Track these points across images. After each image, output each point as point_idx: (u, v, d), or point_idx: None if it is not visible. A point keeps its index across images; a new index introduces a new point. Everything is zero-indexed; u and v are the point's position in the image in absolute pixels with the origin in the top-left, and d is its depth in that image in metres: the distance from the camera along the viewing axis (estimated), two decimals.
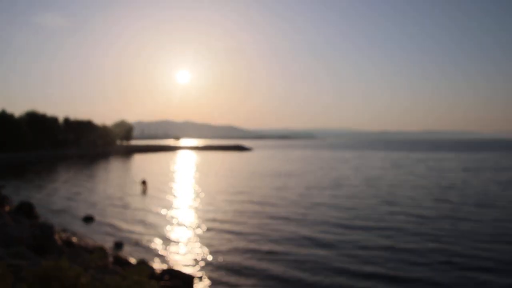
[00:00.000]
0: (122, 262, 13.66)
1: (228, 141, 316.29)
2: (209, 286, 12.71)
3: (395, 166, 64.33)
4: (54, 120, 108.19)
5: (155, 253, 16.23)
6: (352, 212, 24.04)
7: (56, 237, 15.45)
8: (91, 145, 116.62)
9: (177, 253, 16.27)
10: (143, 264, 13.30)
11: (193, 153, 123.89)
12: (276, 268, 14.06)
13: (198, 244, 17.46)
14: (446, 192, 32.08)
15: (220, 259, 15.32)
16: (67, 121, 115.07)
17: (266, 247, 16.76)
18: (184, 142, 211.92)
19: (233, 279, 13.19)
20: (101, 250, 14.47)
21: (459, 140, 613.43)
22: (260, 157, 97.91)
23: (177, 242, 17.92)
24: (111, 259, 14.56)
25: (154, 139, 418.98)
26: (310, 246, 16.79)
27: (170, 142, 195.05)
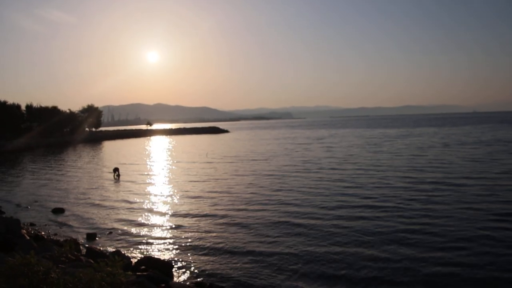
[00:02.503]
0: (96, 254, 13.20)
1: (203, 123, 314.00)
2: (188, 274, 12.45)
3: (369, 144, 65.24)
4: (15, 107, 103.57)
5: (130, 243, 15.73)
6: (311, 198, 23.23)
7: (23, 232, 14.81)
8: (58, 132, 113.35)
9: (154, 242, 15.81)
10: (118, 255, 12.89)
11: (166, 138, 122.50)
12: (253, 254, 13.83)
13: (175, 232, 17.07)
14: (416, 171, 32.36)
15: (198, 246, 14.99)
16: (29, 108, 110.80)
17: (243, 232, 16.53)
18: (157, 126, 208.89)
19: (212, 266, 12.91)
20: (72, 242, 13.95)
21: (439, 114, 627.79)
22: (236, 139, 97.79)
23: (152, 231, 17.45)
24: (83, 251, 14.11)
25: (125, 125, 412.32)
26: (287, 231, 16.46)
27: (142, 127, 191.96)
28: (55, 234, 17.21)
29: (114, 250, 14.35)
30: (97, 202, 24.29)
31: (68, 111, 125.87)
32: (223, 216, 19.10)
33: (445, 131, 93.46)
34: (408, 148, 51.12)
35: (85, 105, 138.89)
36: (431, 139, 65.95)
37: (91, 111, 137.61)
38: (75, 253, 12.83)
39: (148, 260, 12.79)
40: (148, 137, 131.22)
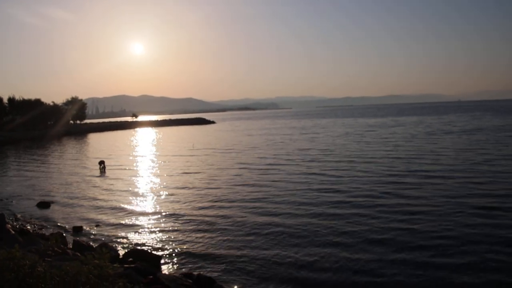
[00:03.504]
0: (82, 247, 13.15)
1: (189, 114, 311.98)
2: (177, 265, 12.49)
3: (352, 134, 65.65)
4: None
5: (117, 236, 15.67)
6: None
7: (8, 226, 14.65)
8: (41, 125, 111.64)
9: (141, 234, 15.78)
10: (105, 247, 12.86)
11: (152, 130, 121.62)
12: (241, 245, 13.92)
13: (163, 224, 17.04)
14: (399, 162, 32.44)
15: (186, 237, 15.02)
16: (12, 101, 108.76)
17: (231, 225, 16.54)
18: (142, 118, 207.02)
19: (200, 257, 12.94)
20: (58, 236, 13.87)
21: (423, 103, 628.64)
22: (222, 131, 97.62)
23: (140, 223, 17.40)
24: (70, 244, 14.03)
25: (110, 117, 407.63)
26: (271, 225, 16.30)
27: (128, 119, 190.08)
28: (41, 228, 17.07)
29: (101, 242, 14.30)
30: (83, 195, 24.11)
31: (51, 103, 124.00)
32: (210, 208, 19.11)
33: (429, 120, 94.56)
34: (391, 138, 51.46)
35: (69, 97, 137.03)
36: (414, 129, 66.65)
37: (75, 103, 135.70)
38: (62, 246, 12.77)
39: (136, 252, 12.78)
40: (134, 129, 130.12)
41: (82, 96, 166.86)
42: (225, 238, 14.64)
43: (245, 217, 17.19)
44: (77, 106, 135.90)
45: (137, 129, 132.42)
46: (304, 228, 15.13)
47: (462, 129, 60.36)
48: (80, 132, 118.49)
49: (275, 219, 16.58)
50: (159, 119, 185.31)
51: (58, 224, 17.85)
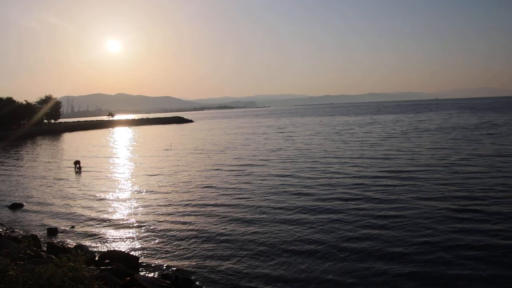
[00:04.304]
0: (57, 250, 12.85)
1: (167, 113, 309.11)
2: (154, 266, 12.32)
3: (330, 132, 66.15)
4: None
5: (93, 237, 15.38)
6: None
7: None
8: (14, 125, 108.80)
9: (118, 235, 15.53)
10: (80, 250, 12.59)
11: (129, 129, 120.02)
12: (219, 246, 13.86)
13: (140, 225, 16.78)
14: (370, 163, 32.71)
15: (164, 238, 14.85)
16: None
17: (207, 225, 16.48)
18: (119, 117, 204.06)
19: (178, 258, 12.84)
20: (31, 238, 13.49)
21: (402, 101, 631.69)
22: (200, 130, 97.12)
23: (116, 224, 17.11)
24: (44, 247, 13.70)
25: (85, 116, 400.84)
26: (243, 226, 16.30)
27: (104, 118, 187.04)
28: (13, 231, 16.60)
29: (76, 244, 14.00)
30: (58, 196, 23.59)
31: (24, 102, 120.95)
32: (186, 208, 18.97)
33: (406, 118, 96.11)
34: (368, 136, 52.04)
35: (42, 96, 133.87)
36: (392, 127, 67.72)
37: (49, 102, 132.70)
38: (35, 249, 12.43)
39: (113, 254, 12.57)
40: (110, 128, 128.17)
41: (57, 94, 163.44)
42: (203, 239, 14.54)
43: (220, 218, 16.94)
44: (51, 105, 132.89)
45: (114, 128, 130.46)
46: (274, 235, 14.41)
47: (439, 127, 61.59)
48: (55, 131, 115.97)
49: (248, 224, 16.11)
50: (136, 118, 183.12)
51: (31, 226, 17.41)
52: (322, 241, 13.48)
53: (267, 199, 19.68)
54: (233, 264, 12.08)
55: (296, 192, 20.99)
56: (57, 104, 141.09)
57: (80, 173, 32.44)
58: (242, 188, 22.72)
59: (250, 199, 20.02)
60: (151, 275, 11.54)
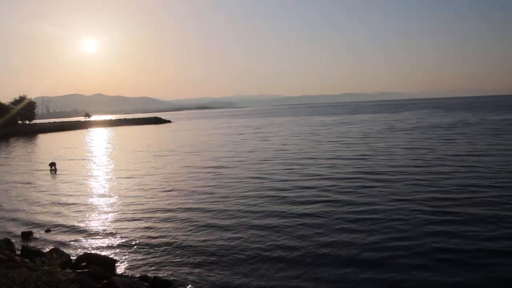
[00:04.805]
0: (32, 253, 12.59)
1: (145, 114, 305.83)
2: (132, 268, 12.21)
3: (306, 132, 66.53)
4: None
5: (69, 240, 15.12)
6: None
7: None
8: None
9: (95, 238, 15.32)
10: (55, 253, 12.40)
11: (107, 130, 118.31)
12: (195, 247, 13.80)
13: (117, 227, 16.61)
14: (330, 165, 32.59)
15: (141, 240, 14.73)
16: None
17: (184, 227, 16.33)
18: (96, 118, 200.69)
19: (156, 260, 12.77)
20: (4, 242, 13.22)
21: (379, 101, 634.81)
22: (178, 130, 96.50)
23: (93, 226, 16.89)
24: (18, 251, 13.41)
25: (61, 117, 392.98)
26: (214, 229, 16.21)
27: (80, 119, 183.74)
28: None
29: (52, 248, 13.75)
30: (33, 198, 23.11)
31: None
32: (163, 210, 18.77)
33: (382, 118, 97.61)
34: (343, 136, 52.54)
35: (16, 96, 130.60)
36: (368, 127, 68.68)
37: (23, 102, 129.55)
38: (8, 253, 12.19)
39: (89, 256, 12.43)
40: (87, 129, 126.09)
41: (31, 95, 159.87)
42: (181, 241, 14.46)
43: (195, 222, 16.56)
44: (24, 105, 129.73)
45: (91, 129, 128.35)
46: (248, 240, 14.04)
47: (414, 126, 62.76)
48: (29, 132, 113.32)
49: (223, 229, 15.69)
50: (113, 118, 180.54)
51: (5, 230, 16.99)
52: (295, 247, 13.11)
53: (242, 203, 19.19)
54: (209, 268, 11.98)
55: (271, 195, 20.55)
56: (32, 105, 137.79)
57: (55, 174, 31.85)
58: (217, 192, 21.96)
59: (225, 202, 19.66)
60: (128, 277, 11.44)
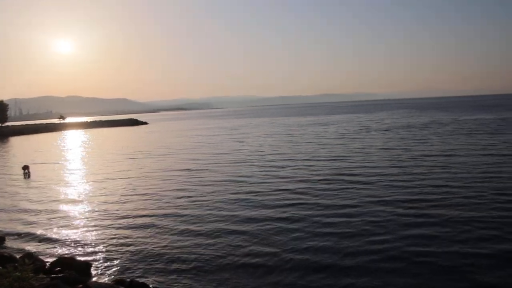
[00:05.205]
0: (4, 259, 12.33)
1: (121, 115, 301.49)
2: (108, 272, 12.10)
3: (283, 134, 66.86)
4: None
5: (43, 245, 14.89)
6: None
7: None
8: None
9: (70, 242, 15.10)
10: (28, 258, 12.19)
11: (82, 132, 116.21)
12: (168, 251, 13.83)
13: (91, 231, 16.43)
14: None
15: (116, 243, 14.62)
16: None
17: (158, 230, 16.32)
18: (70, 120, 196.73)
19: (132, 263, 12.71)
20: None
21: (355, 102, 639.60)
22: (154, 132, 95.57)
23: (68, 231, 16.65)
24: None
25: (35, 119, 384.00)
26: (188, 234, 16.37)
27: (54, 121, 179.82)
28: None
29: (25, 253, 13.50)
30: (5, 202, 22.58)
31: None
32: (138, 215, 18.55)
33: (357, 118, 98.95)
34: (320, 136, 53.11)
35: None
36: (344, 127, 69.55)
37: None
38: None
39: (64, 261, 12.27)
40: (62, 132, 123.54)
41: (3, 97, 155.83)
42: (156, 246, 14.37)
43: (169, 227, 16.29)
44: None
45: (65, 131, 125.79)
46: (220, 246, 13.75)
47: (390, 126, 63.87)
48: (1, 135, 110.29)
49: (196, 234, 15.57)
50: (89, 120, 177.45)
51: None
52: (270, 253, 12.85)
53: (216, 207, 18.89)
54: (184, 275, 11.85)
55: (247, 198, 20.29)
56: (4, 106, 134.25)
57: (29, 178, 31.17)
58: (191, 196, 21.56)
59: (200, 207, 19.29)
60: (105, 281, 11.36)
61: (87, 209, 20.13)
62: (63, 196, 23.94)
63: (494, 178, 21.69)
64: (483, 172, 23.31)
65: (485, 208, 16.38)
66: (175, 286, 11.06)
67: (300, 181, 24.01)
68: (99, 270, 12.28)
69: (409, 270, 11.26)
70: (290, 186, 22.60)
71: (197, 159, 37.13)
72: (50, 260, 12.94)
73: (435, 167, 25.69)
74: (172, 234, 15.38)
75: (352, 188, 21.30)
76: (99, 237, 15.47)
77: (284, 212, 17.53)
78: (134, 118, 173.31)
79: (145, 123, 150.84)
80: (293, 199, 19.75)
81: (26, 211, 20.41)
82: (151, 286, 10.97)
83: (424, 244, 12.96)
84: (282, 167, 29.69)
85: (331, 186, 22.06)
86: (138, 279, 11.23)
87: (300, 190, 21.55)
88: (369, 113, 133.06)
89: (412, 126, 62.59)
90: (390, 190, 20.22)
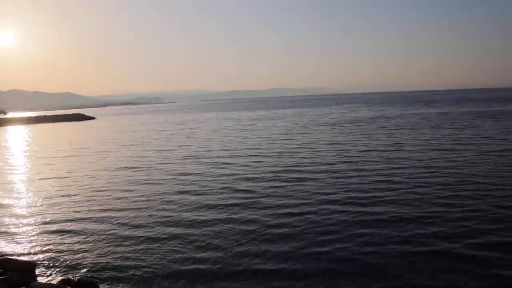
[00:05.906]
0: None
1: (67, 110, 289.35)
2: (54, 272, 11.80)
3: (232, 128, 66.34)
4: None
5: None
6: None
7: None
8: None
9: (12, 243, 14.57)
10: None
11: (24, 128, 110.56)
12: (120, 248, 13.74)
13: (36, 230, 15.91)
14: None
15: (63, 243, 14.26)
16: None
17: (107, 228, 16.06)
18: (12, 115, 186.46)
19: (79, 262, 12.50)
20: None
21: (307, 96, 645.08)
22: (101, 127, 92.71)
23: (10, 230, 16.02)
24: None
25: None
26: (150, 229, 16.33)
27: None
28: None
29: None
30: None
31: None
32: (87, 213, 18.14)
33: (308, 112, 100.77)
34: (270, 132, 53.32)
35: None
36: (294, 122, 70.67)
37: None
38: None
39: (6, 262, 11.81)
40: (3, 127, 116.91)
41: None
42: (105, 243, 14.20)
43: (114, 229, 15.80)
44: None
45: (7, 127, 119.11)
46: (159, 253, 12.94)
47: (337, 121, 65.65)
48: None
49: (137, 239, 14.51)
50: (32, 115, 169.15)
51: None
52: (211, 259, 12.31)
53: (160, 208, 18.18)
54: (131, 274, 11.70)
55: (190, 199, 19.54)
56: None
57: None
58: (134, 196, 20.69)
59: (144, 209, 18.24)
60: (50, 281, 11.12)
61: (31, 209, 19.37)
62: (5, 195, 22.80)
63: (437, 173, 22.13)
64: (427, 167, 23.84)
65: (429, 204, 16.48)
66: (123, 284, 11.03)
67: (248, 179, 23.30)
68: (44, 271, 11.94)
69: (359, 272, 11.00)
70: (238, 185, 21.91)
71: (143, 156, 36.13)
72: None
73: (380, 161, 26.40)
74: (114, 238, 14.56)
75: (299, 185, 21.03)
76: (44, 237, 14.98)
77: (230, 213, 16.82)
78: (81, 113, 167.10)
79: (93, 118, 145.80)
80: (239, 198, 19.11)
81: None
82: (99, 284, 10.89)
83: (373, 245, 12.66)
84: (230, 164, 29.09)
85: (279, 184, 21.59)
86: (86, 279, 11.06)
87: (248, 188, 20.93)
88: (319, 107, 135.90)
89: (359, 120, 64.69)
90: (338, 187, 20.05)
